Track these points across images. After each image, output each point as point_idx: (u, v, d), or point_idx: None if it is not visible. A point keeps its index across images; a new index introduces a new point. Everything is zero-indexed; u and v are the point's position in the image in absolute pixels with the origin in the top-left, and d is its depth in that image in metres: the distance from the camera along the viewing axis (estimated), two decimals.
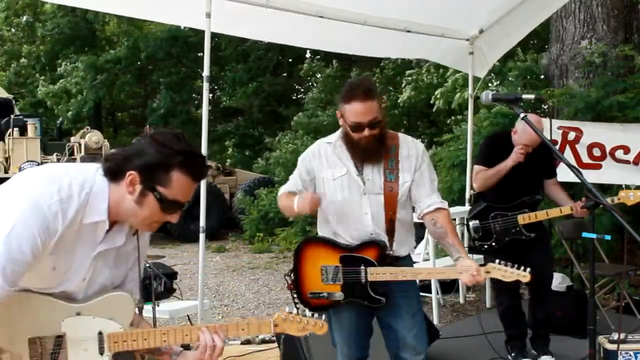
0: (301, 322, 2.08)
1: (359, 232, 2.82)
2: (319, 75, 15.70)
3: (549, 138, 4.37)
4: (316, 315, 2.14)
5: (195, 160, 1.78)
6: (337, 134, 2.90)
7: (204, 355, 1.91)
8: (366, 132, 2.69)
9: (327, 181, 2.85)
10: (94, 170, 1.78)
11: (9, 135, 11.84)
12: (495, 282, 4.37)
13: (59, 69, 19.34)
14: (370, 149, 2.76)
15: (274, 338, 4.15)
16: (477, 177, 4.19)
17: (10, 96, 13.31)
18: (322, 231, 2.96)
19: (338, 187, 2.82)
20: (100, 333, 1.82)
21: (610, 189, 6.33)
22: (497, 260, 2.70)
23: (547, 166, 4.29)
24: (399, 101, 11.13)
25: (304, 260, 2.89)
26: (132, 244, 1.91)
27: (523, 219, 4.04)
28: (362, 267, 2.77)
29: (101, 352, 1.83)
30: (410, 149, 2.87)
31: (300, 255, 2.91)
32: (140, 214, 1.76)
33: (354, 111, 2.68)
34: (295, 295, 2.92)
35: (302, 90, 20.00)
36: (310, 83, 18.80)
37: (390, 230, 2.82)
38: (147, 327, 2.04)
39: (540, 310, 4.41)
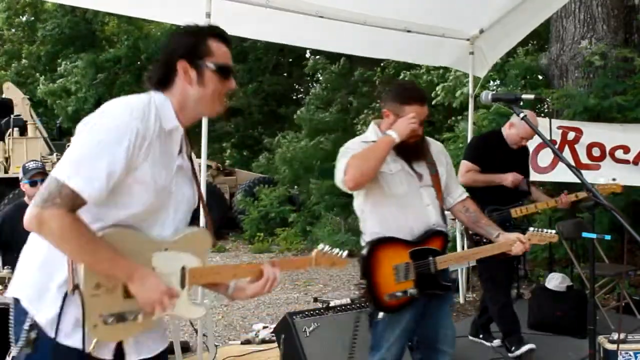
0: (331, 259, 2.29)
1: (420, 225, 2.90)
2: (319, 75, 15.68)
3: (548, 138, 4.42)
4: (340, 251, 2.31)
5: (219, 27, 1.97)
6: (373, 135, 2.96)
7: (263, 288, 2.05)
8: (420, 131, 2.89)
9: (386, 175, 2.88)
10: (147, 93, 1.91)
11: (9, 135, 11.84)
12: (489, 283, 4.39)
13: (59, 68, 19.35)
14: (419, 147, 2.97)
15: (274, 338, 4.15)
16: (466, 174, 4.29)
17: (26, 97, 13.32)
18: (382, 230, 2.90)
19: (398, 181, 2.89)
20: (183, 268, 1.91)
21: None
22: (531, 228, 3.02)
23: (527, 165, 4.51)
24: None
25: (375, 265, 2.85)
26: (189, 166, 2.02)
27: (516, 212, 4.17)
28: (430, 258, 2.86)
29: (182, 286, 1.91)
30: (437, 146, 3.15)
31: (371, 261, 2.85)
32: (206, 93, 1.90)
33: (415, 112, 2.85)
34: (368, 301, 2.86)
35: (302, 90, 20.00)
36: (310, 83, 18.79)
37: (444, 220, 3.01)
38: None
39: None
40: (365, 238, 2.96)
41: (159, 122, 1.84)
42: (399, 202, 2.89)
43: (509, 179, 4.15)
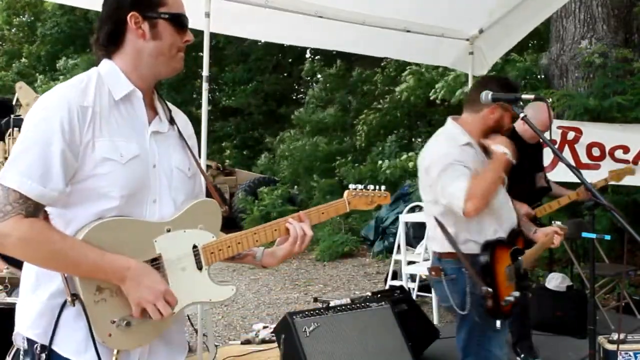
0: (368, 197, 2.08)
1: (507, 226, 2.87)
2: (319, 76, 15.69)
3: (548, 137, 4.43)
4: (378, 187, 2.11)
5: None
6: (463, 136, 2.86)
7: (294, 246, 1.87)
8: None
9: None
10: (92, 69, 1.72)
11: (9, 135, 11.85)
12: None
13: (58, 65, 19.37)
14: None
15: (274, 338, 4.15)
16: None
17: (39, 96, 13.33)
18: (480, 238, 2.79)
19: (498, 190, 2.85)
20: (194, 247, 1.72)
21: (608, 190, 6.33)
22: (553, 222, 3.15)
23: (542, 159, 4.39)
24: (396, 91, 11.06)
25: (494, 270, 2.73)
26: (175, 132, 1.81)
27: (540, 211, 4.07)
28: (520, 258, 2.87)
29: (199, 268, 1.72)
30: None
31: (492, 264, 2.73)
32: (163, 46, 1.70)
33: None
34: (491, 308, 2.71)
35: (302, 90, 20.00)
36: (310, 83, 18.81)
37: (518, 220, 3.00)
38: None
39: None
40: (460, 246, 2.78)
41: (107, 93, 1.65)
42: (497, 204, 2.80)
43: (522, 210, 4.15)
